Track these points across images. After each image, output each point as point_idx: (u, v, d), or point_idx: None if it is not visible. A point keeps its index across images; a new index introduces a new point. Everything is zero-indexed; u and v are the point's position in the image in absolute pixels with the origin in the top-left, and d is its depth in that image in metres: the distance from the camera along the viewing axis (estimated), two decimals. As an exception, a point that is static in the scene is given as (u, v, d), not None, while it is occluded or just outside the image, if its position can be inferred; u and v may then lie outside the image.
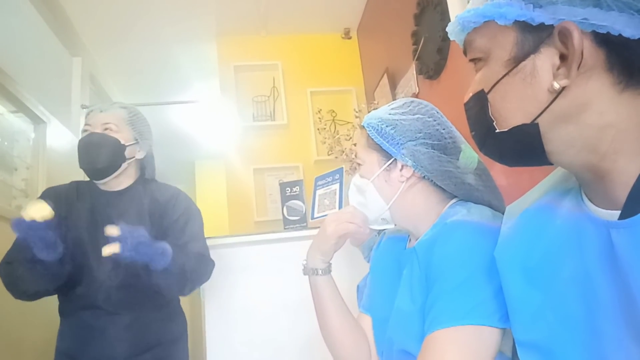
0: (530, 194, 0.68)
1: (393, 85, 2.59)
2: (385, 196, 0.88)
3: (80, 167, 1.35)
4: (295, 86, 3.18)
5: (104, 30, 3.03)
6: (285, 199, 1.92)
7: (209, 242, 1.37)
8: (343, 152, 2.13)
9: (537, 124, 0.51)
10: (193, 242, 1.33)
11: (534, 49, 0.50)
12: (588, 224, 0.52)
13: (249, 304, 1.70)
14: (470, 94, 0.58)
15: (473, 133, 0.60)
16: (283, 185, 1.95)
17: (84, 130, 1.36)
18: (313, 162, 3.01)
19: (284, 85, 3.16)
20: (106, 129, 1.35)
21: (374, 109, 2.32)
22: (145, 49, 3.30)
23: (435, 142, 0.85)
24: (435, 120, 0.87)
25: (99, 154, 1.32)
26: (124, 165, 1.37)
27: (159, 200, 1.38)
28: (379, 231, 1.16)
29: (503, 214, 0.71)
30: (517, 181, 1.42)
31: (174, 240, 1.29)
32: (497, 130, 0.54)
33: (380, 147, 0.88)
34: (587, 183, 0.53)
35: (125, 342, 1.27)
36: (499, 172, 1.50)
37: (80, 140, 1.35)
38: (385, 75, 2.65)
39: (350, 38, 3.35)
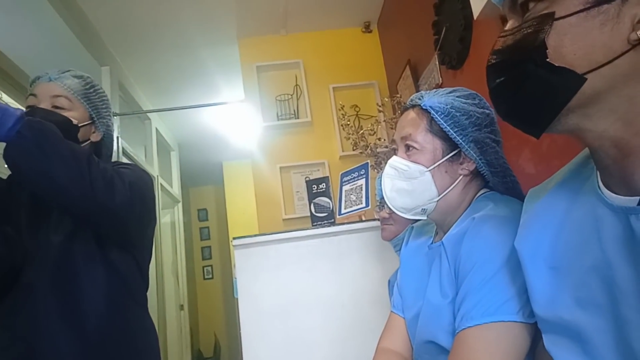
0: (548, 182, 0.67)
1: (416, 77, 2.56)
2: (440, 186, 0.84)
3: None
4: (317, 83, 3.19)
5: (130, 39, 3.12)
6: (312, 196, 1.93)
7: (239, 242, 1.36)
8: (367, 147, 2.13)
9: (586, 79, 0.46)
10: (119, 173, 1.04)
11: None
12: (606, 211, 0.51)
13: (282, 300, 1.73)
14: (519, 23, 0.51)
15: (498, 59, 0.52)
16: (309, 183, 1.96)
17: (28, 106, 1.11)
18: (338, 158, 3.02)
19: (306, 82, 3.17)
20: (55, 105, 1.11)
21: (396, 103, 2.28)
22: (171, 55, 3.38)
23: (498, 139, 0.85)
24: (495, 118, 0.85)
25: None
26: None
27: None
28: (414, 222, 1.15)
29: None
30: (547, 169, 1.39)
31: None
32: (547, 59, 0.48)
33: (447, 134, 0.83)
34: (607, 166, 0.52)
35: None
36: (527, 160, 1.47)
37: None
38: (408, 67, 2.62)
39: (370, 32, 3.33)
